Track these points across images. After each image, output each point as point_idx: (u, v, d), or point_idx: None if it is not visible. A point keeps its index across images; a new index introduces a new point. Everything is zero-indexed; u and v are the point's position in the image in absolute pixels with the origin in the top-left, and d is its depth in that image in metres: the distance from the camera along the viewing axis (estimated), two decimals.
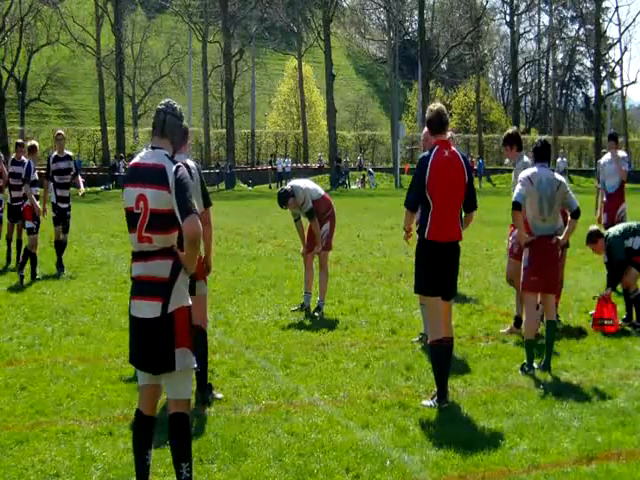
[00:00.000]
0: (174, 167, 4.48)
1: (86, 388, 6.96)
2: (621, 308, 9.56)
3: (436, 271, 6.61)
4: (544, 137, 8.33)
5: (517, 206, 7.48)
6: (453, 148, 6.71)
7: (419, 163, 6.68)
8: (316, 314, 10.05)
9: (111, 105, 57.38)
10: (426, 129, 7.24)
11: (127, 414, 6.26)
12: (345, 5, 77.27)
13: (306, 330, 9.27)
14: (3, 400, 6.64)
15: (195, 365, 4.64)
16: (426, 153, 6.71)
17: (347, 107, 78.03)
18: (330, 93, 53.62)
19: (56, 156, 13.47)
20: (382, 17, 76.44)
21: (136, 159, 4.67)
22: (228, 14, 53.61)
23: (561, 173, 34.71)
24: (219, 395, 6.75)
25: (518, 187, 7.57)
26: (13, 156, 14.33)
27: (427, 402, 6.53)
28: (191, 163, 6.68)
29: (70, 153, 13.95)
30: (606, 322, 9.09)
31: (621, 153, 12.08)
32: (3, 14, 54.16)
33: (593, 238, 9.46)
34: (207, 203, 6.75)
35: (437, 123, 6.71)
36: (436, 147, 6.64)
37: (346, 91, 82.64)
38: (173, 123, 4.68)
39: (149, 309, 4.47)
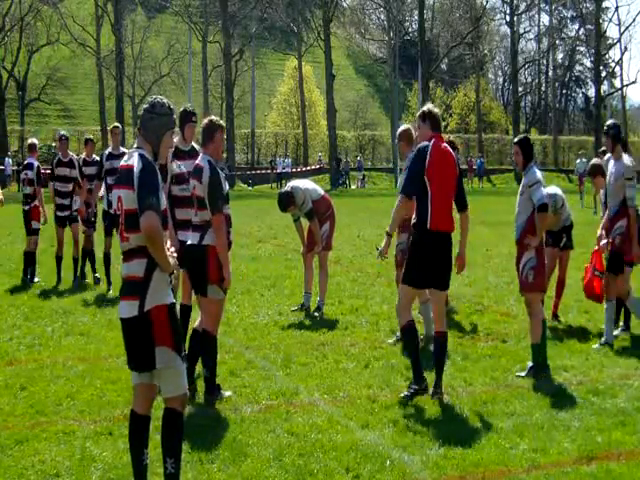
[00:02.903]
0: (140, 166, 4.52)
1: (86, 388, 6.96)
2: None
3: (431, 263, 6.70)
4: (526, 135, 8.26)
5: (546, 208, 7.46)
6: (446, 144, 6.90)
7: (418, 151, 6.79)
8: (316, 314, 10.05)
9: (111, 105, 57.40)
10: (421, 125, 6.99)
11: (127, 414, 6.22)
12: (345, 5, 77.25)
13: (306, 330, 9.27)
14: (3, 400, 6.64)
15: (179, 362, 4.60)
16: (424, 143, 6.81)
17: (347, 107, 77.97)
18: (330, 93, 53.63)
19: (110, 153, 11.71)
20: (382, 17, 76.39)
21: (121, 162, 4.76)
22: (228, 14, 53.61)
23: (582, 174, 33.89)
24: (228, 393, 6.77)
25: (542, 190, 7.46)
26: (83, 155, 12.78)
27: (406, 392, 6.64)
28: (205, 167, 6.64)
29: (127, 151, 12.31)
30: (597, 273, 9.12)
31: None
32: (3, 14, 54.28)
33: (594, 172, 9.43)
34: (212, 209, 6.55)
35: (439, 121, 6.91)
36: (433, 139, 6.79)
37: (346, 91, 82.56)
38: (144, 118, 4.67)
39: (128, 309, 4.55)
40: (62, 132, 13.24)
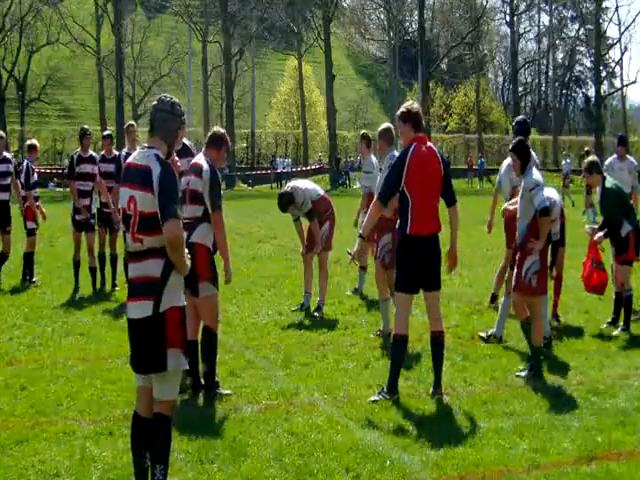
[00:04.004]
0: (160, 169, 4.43)
1: (86, 388, 6.96)
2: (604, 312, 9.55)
3: (418, 266, 6.72)
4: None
5: (548, 211, 7.42)
6: (429, 144, 6.83)
7: (397, 159, 6.81)
8: (316, 314, 10.05)
9: (111, 105, 57.35)
10: (402, 126, 6.89)
11: (127, 414, 6.25)
12: (345, 5, 77.29)
13: (306, 330, 9.27)
14: (3, 400, 6.63)
15: (187, 366, 4.63)
16: (403, 150, 6.81)
17: (347, 107, 77.97)
18: (330, 93, 53.64)
19: (128, 153, 11.19)
20: (382, 17, 76.41)
21: (129, 159, 4.68)
22: (228, 14, 53.64)
23: (567, 174, 33.58)
24: (227, 391, 6.77)
25: (542, 193, 7.37)
26: (102, 152, 12.19)
27: (375, 397, 6.63)
28: (205, 165, 6.72)
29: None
30: (596, 265, 9.18)
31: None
32: (3, 14, 54.30)
33: (590, 169, 9.37)
34: (213, 207, 6.66)
35: (420, 120, 6.84)
36: (414, 144, 6.75)
37: (346, 91, 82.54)
38: (162, 119, 4.59)
39: (141, 309, 4.48)
40: (85, 127, 12.34)
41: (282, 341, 8.72)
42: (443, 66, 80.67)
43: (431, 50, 72.71)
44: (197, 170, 6.73)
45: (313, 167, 58.60)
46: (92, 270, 11.88)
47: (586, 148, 22.76)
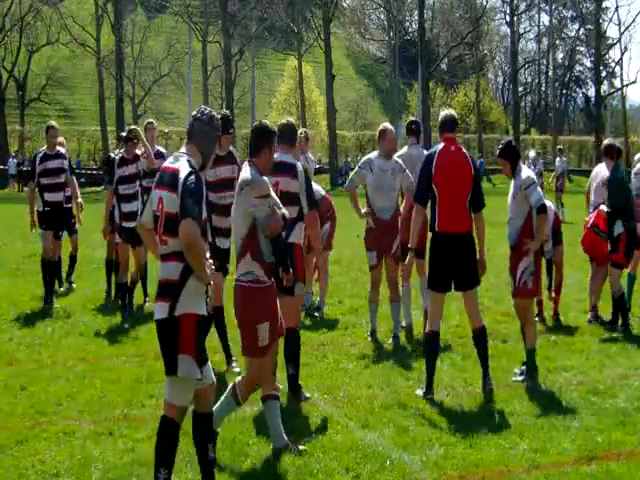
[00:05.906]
0: (187, 171, 4.51)
1: (86, 388, 6.96)
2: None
3: (448, 265, 6.78)
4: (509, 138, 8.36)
5: (546, 208, 7.41)
6: (459, 145, 7.02)
7: (426, 158, 7.02)
8: (316, 314, 10.05)
9: (111, 105, 57.34)
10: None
11: (127, 414, 6.27)
12: (345, 5, 77.27)
13: (306, 330, 9.26)
14: (3, 400, 6.64)
15: (199, 377, 4.58)
16: (433, 149, 7.02)
17: (347, 107, 77.92)
18: (330, 93, 53.61)
19: (46, 154, 10.70)
20: (382, 17, 76.40)
21: (165, 162, 4.78)
22: (228, 14, 53.61)
23: (560, 175, 32.81)
24: (307, 395, 6.74)
25: (538, 190, 7.32)
26: (122, 152, 10.27)
27: (419, 392, 6.73)
28: (297, 164, 6.67)
29: (163, 150, 11.07)
30: (601, 233, 9.27)
31: None
32: (3, 14, 54.34)
33: (608, 153, 9.48)
34: (311, 207, 6.68)
35: (444, 123, 7.05)
36: (443, 144, 6.95)
37: (346, 91, 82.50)
38: (199, 128, 4.70)
39: (160, 310, 4.54)
40: (132, 127, 10.61)
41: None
42: (443, 66, 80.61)
43: (431, 50, 72.63)
44: (290, 170, 6.57)
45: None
46: (130, 289, 10.22)
47: (559, 146, 22.36)
